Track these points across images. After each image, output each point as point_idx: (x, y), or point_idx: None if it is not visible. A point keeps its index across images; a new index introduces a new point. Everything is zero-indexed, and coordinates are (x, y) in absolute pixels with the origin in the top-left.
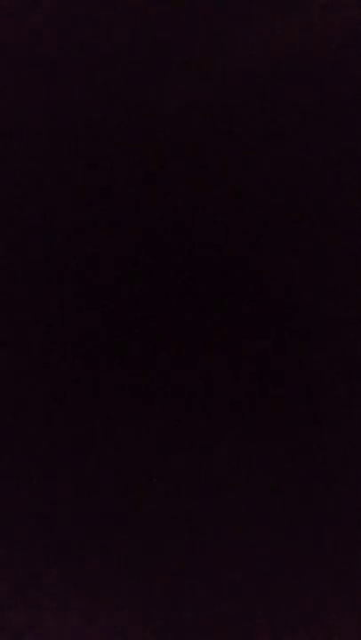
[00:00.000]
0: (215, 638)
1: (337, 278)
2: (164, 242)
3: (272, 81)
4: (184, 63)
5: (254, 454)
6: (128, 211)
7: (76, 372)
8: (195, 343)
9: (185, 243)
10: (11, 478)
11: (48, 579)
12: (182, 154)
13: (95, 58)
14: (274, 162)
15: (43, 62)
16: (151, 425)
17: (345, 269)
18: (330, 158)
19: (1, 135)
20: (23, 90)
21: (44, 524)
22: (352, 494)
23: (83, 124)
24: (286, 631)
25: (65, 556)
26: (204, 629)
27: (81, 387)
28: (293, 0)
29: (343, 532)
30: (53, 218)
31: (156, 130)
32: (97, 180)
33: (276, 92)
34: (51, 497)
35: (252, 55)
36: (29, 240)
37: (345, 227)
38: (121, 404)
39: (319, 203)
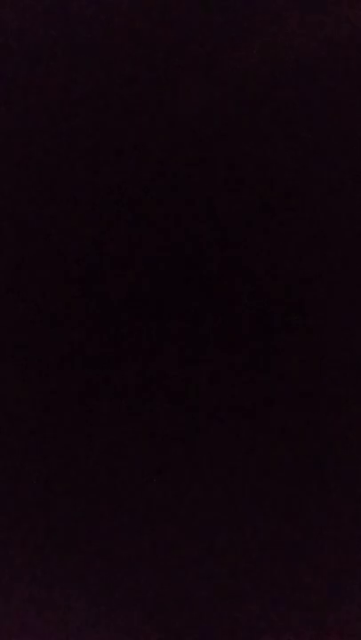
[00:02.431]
0: (215, 638)
1: (337, 278)
2: (165, 240)
3: (275, 83)
4: (191, 63)
5: (254, 454)
6: (132, 210)
7: (75, 372)
8: (194, 344)
9: (187, 243)
10: (11, 477)
11: (48, 578)
12: (186, 154)
13: (99, 58)
14: (276, 162)
15: (46, 62)
16: (151, 425)
17: (345, 269)
18: (333, 159)
19: (2, 133)
20: (27, 89)
21: (43, 524)
22: (352, 494)
23: (86, 124)
24: (287, 631)
25: (65, 555)
26: (204, 628)
27: (81, 387)
28: (294, 1)
29: (343, 532)
30: (56, 217)
31: (161, 129)
32: (101, 180)
33: (278, 94)
34: (50, 496)
35: (253, 56)
36: (30, 239)
37: (346, 227)
38: (121, 404)
39: (320, 202)
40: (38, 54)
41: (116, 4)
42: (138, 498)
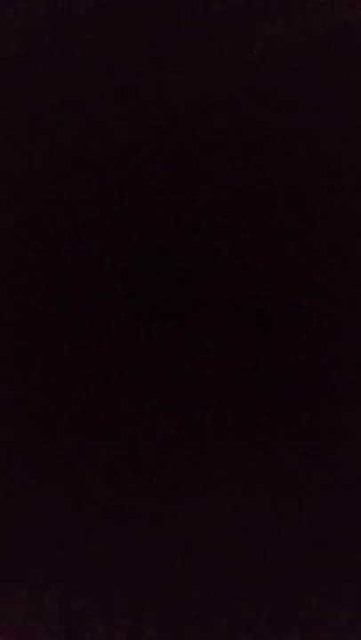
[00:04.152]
0: (215, 638)
1: (337, 279)
2: (165, 240)
3: (271, 82)
4: (182, 65)
5: (254, 454)
6: (131, 202)
7: (75, 372)
8: (194, 345)
9: (182, 247)
10: (11, 478)
11: (47, 578)
12: (179, 156)
13: (98, 56)
14: (273, 163)
15: (45, 48)
16: (151, 425)
17: (346, 269)
18: (330, 160)
19: (2, 127)
20: (26, 74)
21: (42, 525)
22: (352, 494)
23: (85, 123)
24: (287, 632)
25: (64, 556)
26: (204, 628)
27: (80, 387)
28: (294, 1)
29: (343, 532)
30: (56, 216)
31: (153, 131)
32: (100, 179)
33: (275, 94)
34: (50, 497)
35: (253, 55)
36: (30, 240)
37: (348, 226)
38: (121, 404)
39: (320, 205)
40: (38, 38)
41: (116, 5)
42: (138, 498)
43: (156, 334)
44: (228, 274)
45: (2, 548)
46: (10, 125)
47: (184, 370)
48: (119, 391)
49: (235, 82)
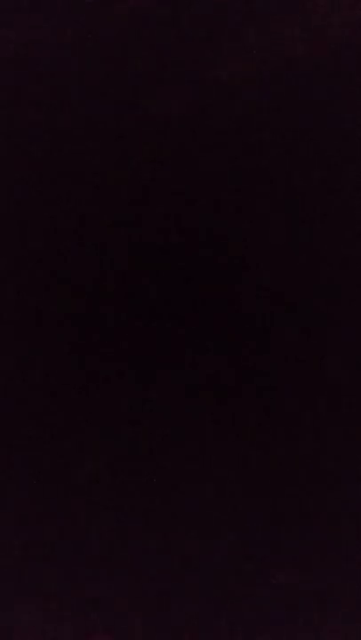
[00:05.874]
0: (215, 638)
1: (338, 278)
2: (161, 245)
3: (271, 82)
4: (182, 66)
5: (254, 455)
6: (125, 213)
7: (75, 373)
8: (194, 346)
9: (182, 247)
10: (11, 478)
11: (46, 579)
12: (179, 156)
13: (93, 60)
14: (272, 163)
15: (40, 64)
16: (151, 425)
17: (346, 270)
18: (330, 160)
19: (2, 127)
20: (20, 90)
21: (42, 526)
22: (352, 494)
23: (82, 125)
24: (286, 632)
25: (64, 556)
26: (204, 628)
27: (80, 388)
28: (293, 1)
29: (343, 533)
30: (56, 217)
31: (152, 131)
32: (101, 181)
33: (275, 94)
34: (50, 497)
35: (252, 56)
36: (30, 240)
37: (348, 226)
38: (121, 405)
39: (319, 205)
40: (33, 53)
41: (118, 11)
42: (138, 498)
43: (156, 334)
44: (228, 274)
45: (1, 547)
46: (10, 125)
47: (184, 370)
48: (119, 391)
49: (234, 82)
